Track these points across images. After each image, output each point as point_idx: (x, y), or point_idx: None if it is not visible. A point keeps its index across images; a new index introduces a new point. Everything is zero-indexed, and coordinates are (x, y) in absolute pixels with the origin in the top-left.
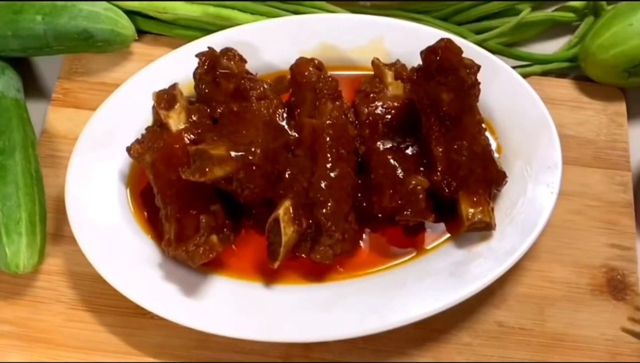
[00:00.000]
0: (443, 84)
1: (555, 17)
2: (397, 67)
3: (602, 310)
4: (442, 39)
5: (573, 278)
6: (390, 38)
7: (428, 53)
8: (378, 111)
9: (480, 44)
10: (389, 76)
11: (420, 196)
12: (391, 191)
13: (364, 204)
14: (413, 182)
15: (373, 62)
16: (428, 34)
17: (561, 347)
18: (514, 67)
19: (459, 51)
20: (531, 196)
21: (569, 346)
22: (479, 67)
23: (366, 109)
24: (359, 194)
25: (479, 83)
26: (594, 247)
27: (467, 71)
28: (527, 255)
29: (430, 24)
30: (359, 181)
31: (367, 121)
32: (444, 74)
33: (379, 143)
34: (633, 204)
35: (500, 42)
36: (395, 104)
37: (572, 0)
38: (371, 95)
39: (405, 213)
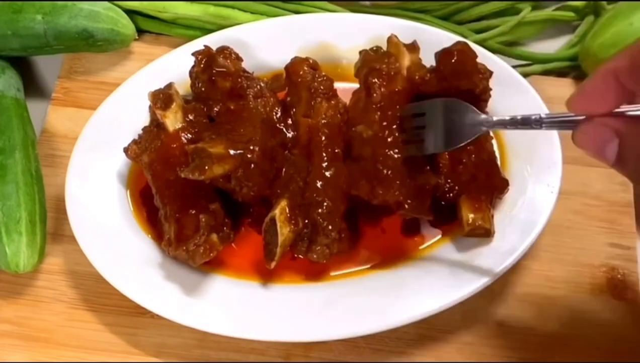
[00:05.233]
0: (454, 88)
1: (555, 16)
2: (413, 63)
3: (602, 310)
4: (458, 42)
5: (573, 277)
6: None
7: (444, 55)
8: (392, 97)
9: (480, 43)
10: (407, 58)
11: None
12: (398, 182)
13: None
14: (421, 178)
15: (390, 39)
16: (428, 34)
17: (561, 347)
18: (514, 67)
19: (474, 55)
20: (531, 196)
21: (569, 345)
22: (491, 73)
23: (379, 91)
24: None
25: (490, 89)
26: (594, 246)
27: (480, 76)
28: (527, 255)
29: (430, 23)
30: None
31: (380, 105)
32: (457, 78)
33: (386, 131)
34: (633, 203)
35: (500, 42)
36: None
37: (573, 0)
38: (384, 73)
39: (405, 206)
